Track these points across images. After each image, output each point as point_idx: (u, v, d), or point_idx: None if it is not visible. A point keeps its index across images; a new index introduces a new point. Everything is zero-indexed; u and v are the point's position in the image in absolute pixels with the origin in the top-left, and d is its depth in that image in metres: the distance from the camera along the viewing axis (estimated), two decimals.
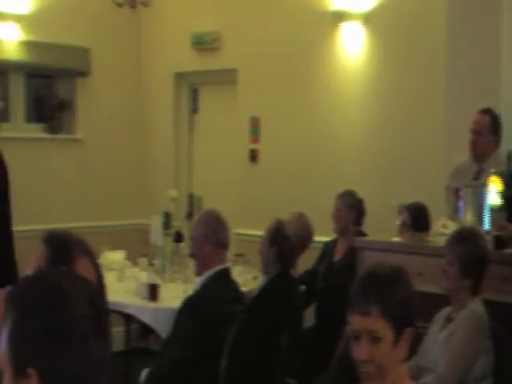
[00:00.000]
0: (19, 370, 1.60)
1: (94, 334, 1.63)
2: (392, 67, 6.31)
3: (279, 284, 4.85)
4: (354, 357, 2.51)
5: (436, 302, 4.12)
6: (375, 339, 2.49)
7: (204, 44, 7.49)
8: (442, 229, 4.87)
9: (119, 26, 7.76)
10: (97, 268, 2.33)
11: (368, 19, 6.37)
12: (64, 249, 2.28)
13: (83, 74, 7.64)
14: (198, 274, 4.66)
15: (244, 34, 7.20)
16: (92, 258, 2.33)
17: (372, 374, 2.51)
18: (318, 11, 6.61)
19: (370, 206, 5.94)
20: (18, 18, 7.04)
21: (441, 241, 4.55)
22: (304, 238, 5.67)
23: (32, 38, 7.18)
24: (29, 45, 7.17)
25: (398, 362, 2.53)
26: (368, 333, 2.49)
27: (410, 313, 2.55)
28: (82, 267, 2.24)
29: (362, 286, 2.56)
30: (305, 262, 5.86)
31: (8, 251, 4.35)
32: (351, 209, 5.87)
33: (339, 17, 6.45)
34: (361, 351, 2.49)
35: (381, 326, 2.48)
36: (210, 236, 4.58)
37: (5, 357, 1.63)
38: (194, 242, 4.68)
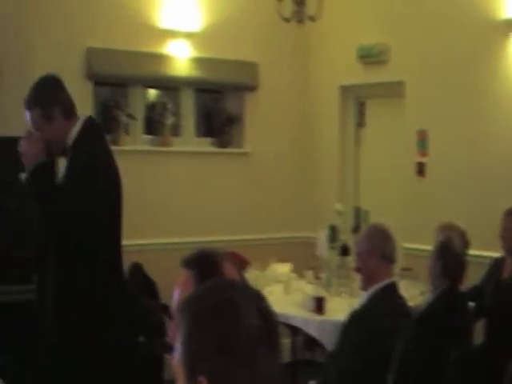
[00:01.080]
0: (191, 378, 1.63)
1: (264, 345, 1.64)
2: None
3: (447, 300, 4.74)
4: None
5: None
6: None
7: (371, 57, 7.45)
8: None
9: (286, 41, 7.84)
10: (240, 273, 2.38)
11: None
12: (208, 264, 2.32)
13: (251, 88, 7.77)
14: (364, 288, 4.61)
15: (412, 46, 7.11)
16: (234, 264, 2.37)
17: None
18: (489, 20, 6.44)
19: None
20: (189, 36, 7.25)
21: None
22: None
23: (202, 54, 7.36)
24: (199, 61, 7.36)
25: None
26: None
27: None
28: (227, 272, 2.29)
29: None
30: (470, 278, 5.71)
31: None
32: None
33: (511, 25, 6.27)
34: None
35: None
36: (376, 250, 4.52)
37: (179, 363, 1.66)
38: (360, 256, 4.63)
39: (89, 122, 4.17)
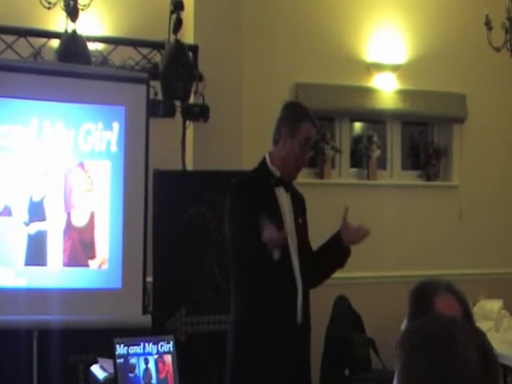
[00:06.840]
0: None
1: (480, 381, 1.58)
2: None
3: None
4: None
5: None
6: None
7: None
8: None
9: (496, 71, 7.61)
10: (462, 303, 2.32)
11: None
12: (423, 287, 2.35)
13: (460, 120, 7.60)
14: None
15: None
16: (455, 294, 2.33)
17: None
18: None
19: None
20: (395, 68, 7.24)
21: None
22: None
23: (408, 86, 7.31)
24: (405, 93, 7.30)
25: None
26: None
27: None
28: (443, 302, 2.26)
29: None
30: None
31: None
32: None
33: None
34: None
35: None
36: None
37: None
38: None
39: None
